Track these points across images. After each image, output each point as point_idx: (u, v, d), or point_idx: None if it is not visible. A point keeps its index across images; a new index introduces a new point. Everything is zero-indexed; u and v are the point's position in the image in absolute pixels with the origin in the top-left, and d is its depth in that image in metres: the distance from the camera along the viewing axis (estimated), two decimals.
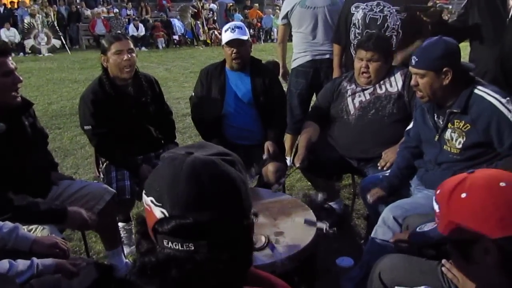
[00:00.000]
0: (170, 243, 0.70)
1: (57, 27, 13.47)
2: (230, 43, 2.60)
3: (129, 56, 2.32)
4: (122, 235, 2.47)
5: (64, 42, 13.78)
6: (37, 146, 2.00)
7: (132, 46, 2.37)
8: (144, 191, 0.74)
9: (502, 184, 0.94)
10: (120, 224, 2.48)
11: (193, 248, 0.69)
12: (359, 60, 2.46)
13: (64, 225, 1.85)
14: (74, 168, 3.99)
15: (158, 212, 0.70)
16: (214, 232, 0.70)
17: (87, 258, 2.30)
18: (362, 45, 2.42)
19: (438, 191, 1.06)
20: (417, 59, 1.89)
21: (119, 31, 13.43)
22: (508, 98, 1.77)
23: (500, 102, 1.76)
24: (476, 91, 1.83)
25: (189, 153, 0.74)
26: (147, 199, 0.73)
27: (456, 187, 1.00)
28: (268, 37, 17.98)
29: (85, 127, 2.40)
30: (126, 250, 2.47)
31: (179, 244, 0.69)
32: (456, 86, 1.85)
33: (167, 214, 0.70)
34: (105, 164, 2.49)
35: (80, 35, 15.04)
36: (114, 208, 2.17)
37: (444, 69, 1.83)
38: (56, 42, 13.25)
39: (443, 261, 1.41)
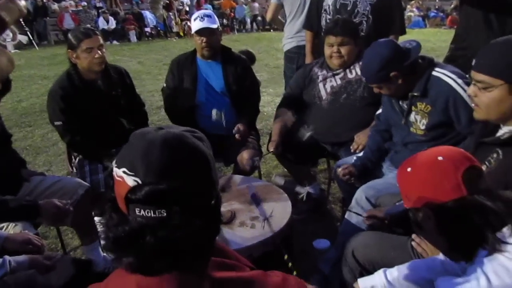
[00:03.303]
0: (142, 211, 0.71)
1: (22, 22, 13.03)
2: (200, 32, 2.58)
3: (100, 53, 2.28)
4: (98, 229, 2.44)
5: (31, 38, 13.36)
6: (1, 146, 1.95)
7: (102, 41, 2.33)
8: (115, 165, 0.75)
9: (439, 158, 1.02)
10: (96, 219, 2.45)
11: (165, 214, 0.71)
12: (329, 46, 2.48)
13: (39, 219, 1.80)
14: (46, 165, 3.91)
15: (131, 181, 0.72)
16: (186, 198, 0.72)
17: (63, 255, 2.27)
18: (331, 31, 2.45)
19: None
20: (364, 78, 2.10)
21: (88, 25, 13.17)
22: (465, 79, 1.82)
23: (456, 82, 1.82)
24: (434, 73, 1.89)
25: (160, 128, 0.78)
26: (118, 171, 0.74)
27: (406, 163, 1.09)
28: (242, 27, 17.90)
29: (55, 123, 2.35)
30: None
31: (152, 211, 0.71)
32: (412, 77, 1.92)
33: (140, 182, 0.71)
34: (77, 158, 2.45)
35: (48, 30, 14.62)
36: (89, 202, 2.15)
37: (392, 75, 1.90)
38: (22, 38, 12.77)
39: (413, 236, 1.46)
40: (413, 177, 1.05)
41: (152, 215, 0.71)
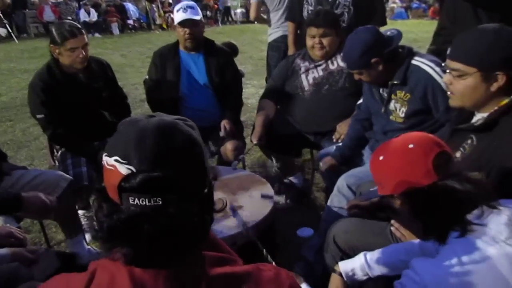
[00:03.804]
0: (137, 199, 0.70)
1: (1, 15, 12.72)
2: (183, 23, 2.58)
3: (84, 53, 2.27)
4: (82, 222, 2.43)
5: (10, 31, 13.05)
6: None
7: (87, 39, 2.30)
8: (105, 154, 0.73)
9: (410, 145, 1.05)
10: (80, 212, 2.45)
11: (161, 202, 0.70)
12: (311, 37, 2.51)
13: (22, 212, 1.77)
14: (28, 160, 3.87)
15: (124, 169, 0.70)
16: (181, 186, 0.71)
17: (47, 248, 2.26)
18: (313, 22, 2.47)
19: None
20: (346, 63, 2.08)
21: (69, 17, 12.91)
22: (442, 67, 1.86)
23: (434, 70, 1.86)
24: (413, 61, 1.92)
25: (151, 116, 0.77)
26: (110, 160, 0.72)
27: (378, 151, 1.13)
28: (226, 19, 17.79)
29: (37, 116, 2.33)
30: (88, 237, 2.44)
31: (147, 200, 0.69)
32: (393, 65, 1.94)
33: (134, 170, 0.70)
34: (60, 152, 2.43)
35: (27, 22, 14.25)
36: (72, 195, 2.14)
37: (373, 61, 1.92)
38: (1, 31, 12.54)
39: (392, 221, 1.50)
40: (385, 165, 1.08)
41: (147, 203, 0.69)
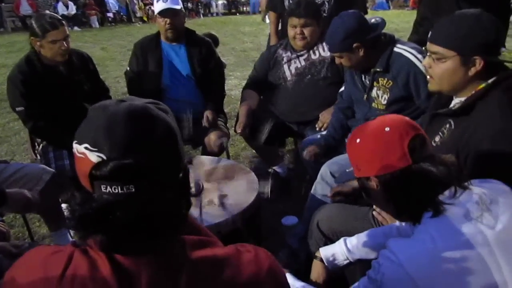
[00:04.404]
0: (108, 187, 0.68)
1: None
2: (163, 13, 2.56)
3: (66, 45, 2.25)
4: (66, 215, 2.41)
5: None
6: None
7: (68, 31, 2.28)
8: (75, 141, 0.72)
9: (386, 129, 1.06)
10: (64, 205, 2.42)
11: (133, 190, 0.68)
12: (292, 27, 2.52)
13: (6, 208, 1.74)
14: (9, 155, 3.80)
15: (95, 157, 0.69)
16: (154, 172, 0.70)
17: (31, 242, 2.24)
18: (294, 12, 2.48)
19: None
20: (328, 46, 2.11)
21: (47, 11, 12.62)
22: (424, 54, 1.89)
23: (416, 57, 1.89)
24: (395, 49, 1.95)
25: (122, 101, 0.74)
26: (80, 147, 0.70)
27: (355, 134, 1.14)
28: (207, 11, 17.64)
29: (17, 109, 2.30)
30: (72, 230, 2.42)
31: (119, 188, 0.68)
32: (374, 51, 1.96)
33: (105, 158, 0.68)
34: (41, 145, 2.40)
35: (3, 16, 13.93)
36: (55, 188, 2.11)
37: (354, 46, 1.93)
38: None
39: (374, 206, 1.54)
40: (362, 148, 1.10)
41: (120, 191, 0.68)
